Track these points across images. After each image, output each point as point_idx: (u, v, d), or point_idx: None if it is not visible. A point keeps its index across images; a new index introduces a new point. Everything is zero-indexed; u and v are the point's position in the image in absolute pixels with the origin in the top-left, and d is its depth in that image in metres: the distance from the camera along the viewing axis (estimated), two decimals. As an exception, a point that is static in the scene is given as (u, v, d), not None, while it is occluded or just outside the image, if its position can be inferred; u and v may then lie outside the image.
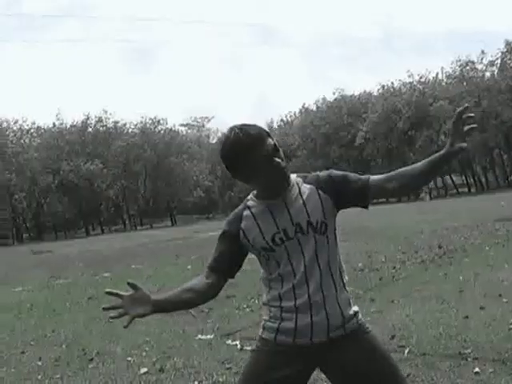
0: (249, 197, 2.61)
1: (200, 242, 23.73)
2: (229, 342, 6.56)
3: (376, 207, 43.73)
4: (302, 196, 2.50)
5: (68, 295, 11.85)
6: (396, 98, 62.05)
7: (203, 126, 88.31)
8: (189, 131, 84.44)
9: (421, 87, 62.58)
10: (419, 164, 2.41)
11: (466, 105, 2.33)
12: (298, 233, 2.47)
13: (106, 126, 69.17)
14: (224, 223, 2.65)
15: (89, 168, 63.11)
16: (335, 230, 2.57)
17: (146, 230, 58.55)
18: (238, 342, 6.44)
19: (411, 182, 2.45)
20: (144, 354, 6.48)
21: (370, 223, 22.58)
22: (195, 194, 69.32)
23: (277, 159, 2.41)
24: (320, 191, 2.51)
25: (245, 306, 8.62)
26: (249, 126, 2.44)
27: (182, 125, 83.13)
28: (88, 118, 68.51)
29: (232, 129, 2.44)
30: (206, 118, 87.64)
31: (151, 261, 17.76)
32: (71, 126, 67.56)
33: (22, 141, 63.84)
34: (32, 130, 66.22)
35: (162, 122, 71.92)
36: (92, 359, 6.47)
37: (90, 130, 68.54)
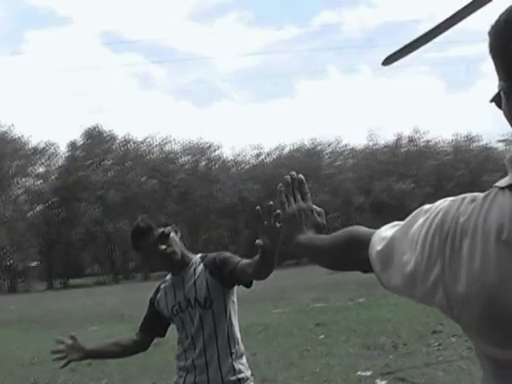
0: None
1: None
2: (377, 380, 6.79)
3: None
4: (195, 275, 3.05)
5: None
6: None
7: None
8: (506, 147, 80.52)
9: None
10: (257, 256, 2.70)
11: (270, 203, 2.47)
12: (189, 306, 3.03)
13: (417, 145, 69.47)
14: None
15: (401, 187, 63.99)
16: (226, 304, 3.01)
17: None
18: (384, 383, 6.65)
19: (254, 271, 2.77)
20: None
21: None
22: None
23: (161, 246, 2.96)
24: (207, 271, 3.03)
25: (437, 343, 8.60)
26: (144, 219, 3.03)
27: (499, 141, 79.58)
28: (400, 138, 69.50)
29: (135, 220, 3.07)
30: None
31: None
32: (384, 146, 69.12)
33: (336, 163, 67.15)
34: (346, 152, 69.26)
35: (476, 138, 70.06)
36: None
37: (402, 150, 69.40)
